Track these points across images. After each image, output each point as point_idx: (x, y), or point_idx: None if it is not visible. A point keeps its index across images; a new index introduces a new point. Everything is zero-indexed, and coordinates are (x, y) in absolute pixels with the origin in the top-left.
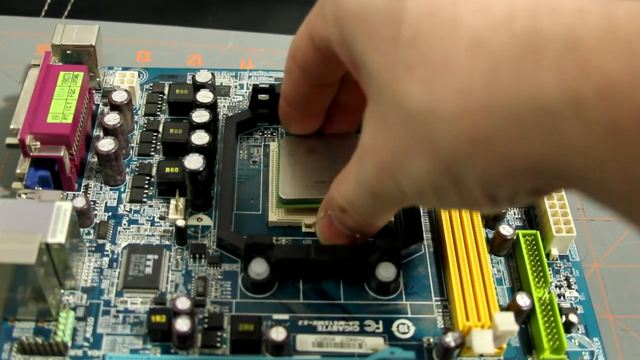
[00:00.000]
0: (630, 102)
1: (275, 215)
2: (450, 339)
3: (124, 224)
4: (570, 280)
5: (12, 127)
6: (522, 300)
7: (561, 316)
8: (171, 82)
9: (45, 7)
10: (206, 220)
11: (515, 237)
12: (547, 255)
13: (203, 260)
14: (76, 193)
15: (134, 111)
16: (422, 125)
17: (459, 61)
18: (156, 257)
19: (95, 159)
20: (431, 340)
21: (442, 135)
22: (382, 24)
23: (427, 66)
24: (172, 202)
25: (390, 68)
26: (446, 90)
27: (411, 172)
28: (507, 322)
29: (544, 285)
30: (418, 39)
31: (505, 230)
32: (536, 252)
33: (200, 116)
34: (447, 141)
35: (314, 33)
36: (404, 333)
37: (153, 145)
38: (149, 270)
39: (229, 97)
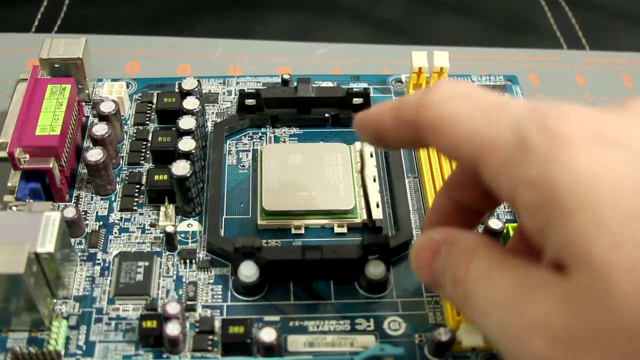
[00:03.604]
0: None
1: (264, 219)
2: (440, 334)
3: (115, 233)
4: None
5: (1, 140)
6: None
7: None
8: (159, 92)
9: (36, 23)
10: (196, 226)
11: (505, 231)
12: None
13: (193, 265)
14: (67, 204)
15: (124, 121)
16: None
17: None
18: (147, 263)
19: (86, 170)
20: (423, 336)
21: None
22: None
23: None
24: (162, 209)
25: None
26: None
27: None
28: None
29: None
30: None
31: (495, 224)
32: None
33: (187, 123)
34: None
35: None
36: (395, 330)
37: (143, 154)
38: (140, 277)
39: (217, 103)
